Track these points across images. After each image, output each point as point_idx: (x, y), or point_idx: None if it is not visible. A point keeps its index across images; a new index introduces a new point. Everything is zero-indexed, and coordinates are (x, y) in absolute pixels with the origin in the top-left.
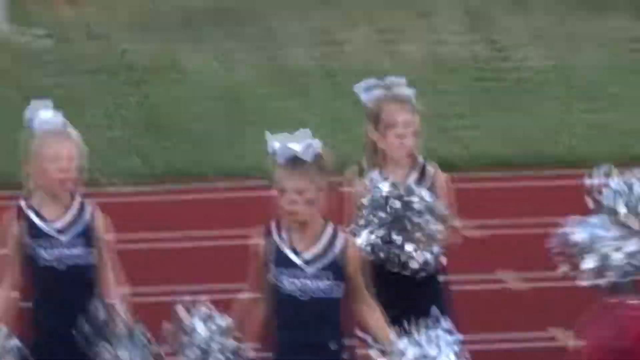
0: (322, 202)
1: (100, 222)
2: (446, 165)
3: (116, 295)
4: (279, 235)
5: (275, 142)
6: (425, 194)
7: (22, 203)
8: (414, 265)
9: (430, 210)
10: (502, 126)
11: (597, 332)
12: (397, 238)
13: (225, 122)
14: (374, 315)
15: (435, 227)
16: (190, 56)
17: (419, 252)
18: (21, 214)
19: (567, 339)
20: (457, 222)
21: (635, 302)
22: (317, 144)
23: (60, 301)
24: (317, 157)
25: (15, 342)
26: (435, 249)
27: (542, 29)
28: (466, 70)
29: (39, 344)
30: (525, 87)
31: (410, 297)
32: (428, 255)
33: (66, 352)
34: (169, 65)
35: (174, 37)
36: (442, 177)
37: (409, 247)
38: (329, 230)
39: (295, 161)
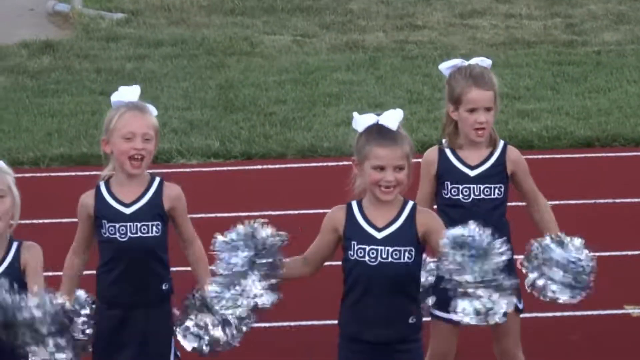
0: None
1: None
2: (525, 146)
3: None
4: (361, 212)
5: (366, 117)
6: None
7: (101, 184)
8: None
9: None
10: (581, 107)
11: None
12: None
13: (303, 104)
14: None
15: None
16: (268, 39)
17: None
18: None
19: None
20: (543, 199)
21: None
22: (399, 112)
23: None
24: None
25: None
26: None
27: (620, 12)
28: (544, 51)
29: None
30: (603, 68)
31: None
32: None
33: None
34: (247, 48)
35: (252, 21)
36: (522, 161)
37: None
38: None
39: (389, 134)
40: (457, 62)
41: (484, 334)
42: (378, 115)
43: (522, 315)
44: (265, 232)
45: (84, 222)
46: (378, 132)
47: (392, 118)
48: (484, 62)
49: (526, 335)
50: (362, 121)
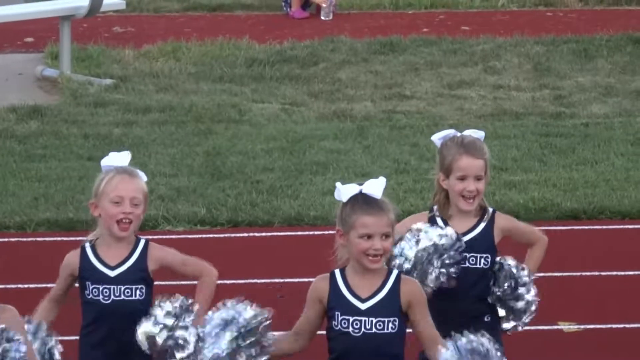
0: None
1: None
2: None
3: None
4: (344, 281)
5: (349, 186)
6: None
7: (87, 245)
8: None
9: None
10: (568, 179)
11: None
12: None
13: (290, 172)
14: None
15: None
16: (256, 106)
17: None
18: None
19: None
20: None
21: None
22: (382, 180)
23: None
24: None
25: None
26: None
27: (609, 85)
28: (532, 123)
29: None
30: (590, 140)
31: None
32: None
33: None
34: (235, 116)
35: (240, 89)
36: (512, 223)
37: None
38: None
39: (375, 202)
40: (450, 132)
41: None
42: (360, 185)
43: None
44: (248, 313)
45: (65, 279)
46: (364, 201)
47: (376, 186)
48: (476, 133)
49: None
50: (345, 191)
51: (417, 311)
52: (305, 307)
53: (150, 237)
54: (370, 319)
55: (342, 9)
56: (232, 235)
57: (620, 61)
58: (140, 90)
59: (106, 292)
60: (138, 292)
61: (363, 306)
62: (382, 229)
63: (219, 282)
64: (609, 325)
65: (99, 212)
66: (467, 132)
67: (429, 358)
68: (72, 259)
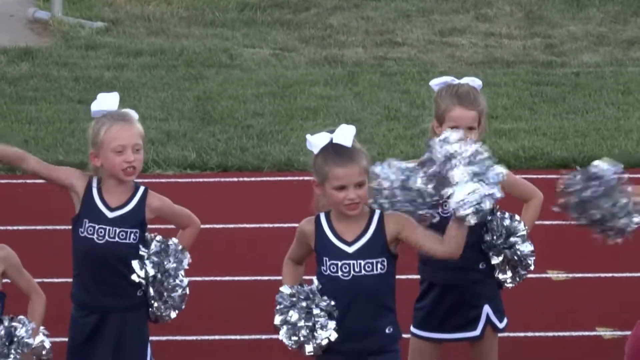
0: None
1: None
2: (501, 165)
3: None
4: (330, 226)
5: (319, 137)
6: None
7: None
8: None
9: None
10: (558, 128)
11: None
12: None
13: (281, 118)
14: None
15: None
16: (247, 51)
17: None
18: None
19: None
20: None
21: None
22: (351, 128)
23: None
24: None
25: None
26: None
27: (600, 34)
28: (523, 71)
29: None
30: (581, 89)
31: None
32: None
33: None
34: (226, 60)
35: (232, 33)
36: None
37: None
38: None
39: (345, 153)
40: (447, 79)
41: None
42: (331, 132)
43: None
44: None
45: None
46: (334, 152)
47: (346, 135)
48: (474, 82)
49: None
50: (316, 142)
51: (408, 232)
52: (295, 242)
53: (140, 180)
54: (359, 261)
55: None
56: (222, 179)
57: (612, 10)
58: (132, 34)
59: (101, 232)
60: (132, 235)
61: (350, 249)
62: (354, 178)
63: (208, 226)
64: (597, 274)
65: (101, 162)
66: (464, 80)
67: (440, 251)
68: (80, 183)
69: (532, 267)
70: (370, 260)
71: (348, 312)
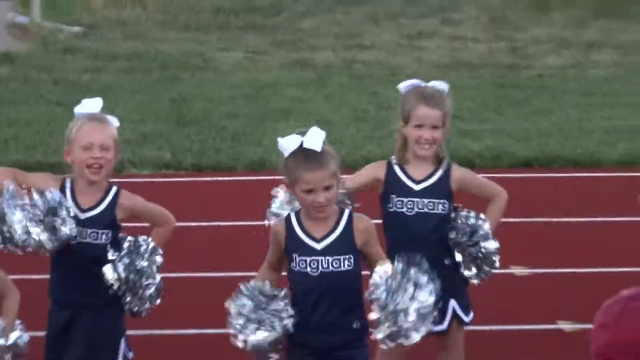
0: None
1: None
2: (466, 164)
3: None
4: (299, 224)
5: (290, 140)
6: None
7: (67, 181)
8: None
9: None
10: (522, 129)
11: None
12: None
13: (254, 119)
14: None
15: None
16: (221, 55)
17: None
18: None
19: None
20: (502, 197)
21: None
22: (321, 132)
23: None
24: (326, 145)
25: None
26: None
27: (563, 37)
28: (488, 74)
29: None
30: (545, 91)
31: None
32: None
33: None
34: (201, 63)
35: (206, 37)
36: (467, 175)
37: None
38: (345, 216)
39: (315, 157)
40: (415, 82)
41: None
42: (302, 135)
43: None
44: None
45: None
46: (304, 156)
47: (315, 140)
48: (441, 85)
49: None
50: (287, 145)
51: (371, 246)
52: (271, 245)
53: (116, 180)
54: (327, 257)
55: None
56: (197, 179)
57: (574, 14)
58: (108, 38)
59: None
60: (104, 236)
61: (319, 246)
62: (322, 183)
63: (183, 224)
64: (558, 270)
65: (71, 159)
66: (431, 84)
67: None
68: (54, 186)
69: (497, 265)
70: (338, 257)
71: (317, 307)
